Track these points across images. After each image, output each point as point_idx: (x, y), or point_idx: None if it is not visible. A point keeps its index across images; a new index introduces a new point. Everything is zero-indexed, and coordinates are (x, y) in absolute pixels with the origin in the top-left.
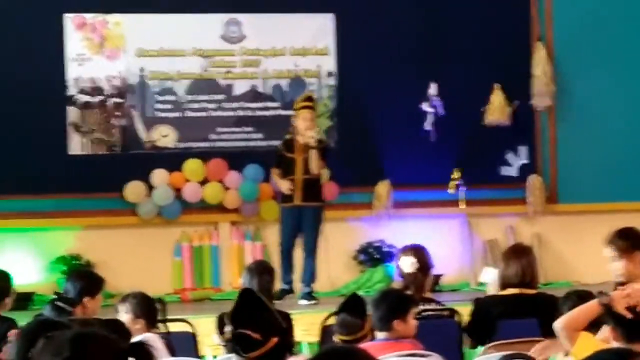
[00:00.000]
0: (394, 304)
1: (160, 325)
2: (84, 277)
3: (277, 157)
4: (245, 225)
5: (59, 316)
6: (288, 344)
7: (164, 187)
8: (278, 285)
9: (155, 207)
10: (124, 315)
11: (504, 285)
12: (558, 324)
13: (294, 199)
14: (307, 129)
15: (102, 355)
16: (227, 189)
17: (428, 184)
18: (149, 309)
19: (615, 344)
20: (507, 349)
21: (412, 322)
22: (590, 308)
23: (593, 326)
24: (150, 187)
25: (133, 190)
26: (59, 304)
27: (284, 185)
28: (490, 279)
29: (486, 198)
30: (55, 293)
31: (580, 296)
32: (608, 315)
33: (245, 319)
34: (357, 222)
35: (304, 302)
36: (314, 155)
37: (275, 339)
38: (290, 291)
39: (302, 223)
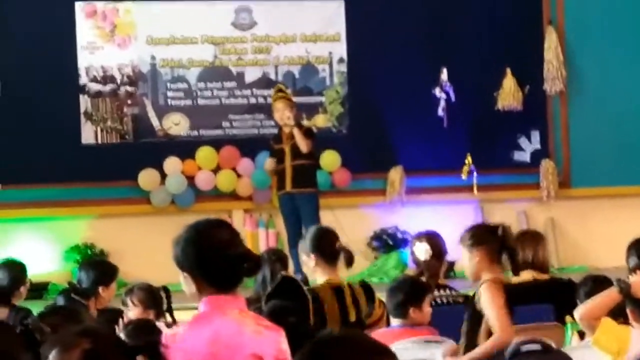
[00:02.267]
0: (410, 291)
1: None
2: (97, 267)
3: (270, 150)
4: (258, 212)
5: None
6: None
7: (176, 176)
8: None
9: (168, 196)
10: (134, 308)
11: (516, 271)
12: (577, 314)
13: (285, 185)
14: (281, 118)
15: (112, 356)
16: (239, 176)
17: (441, 169)
18: (157, 300)
19: (636, 326)
20: (522, 335)
21: (427, 310)
22: (609, 296)
23: (613, 313)
24: (164, 176)
25: (147, 177)
26: (74, 296)
27: (266, 163)
28: (422, 254)
29: (499, 183)
30: (69, 283)
31: (596, 281)
32: (628, 300)
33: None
34: (370, 209)
35: None
36: (298, 135)
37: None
38: (303, 280)
39: (299, 210)
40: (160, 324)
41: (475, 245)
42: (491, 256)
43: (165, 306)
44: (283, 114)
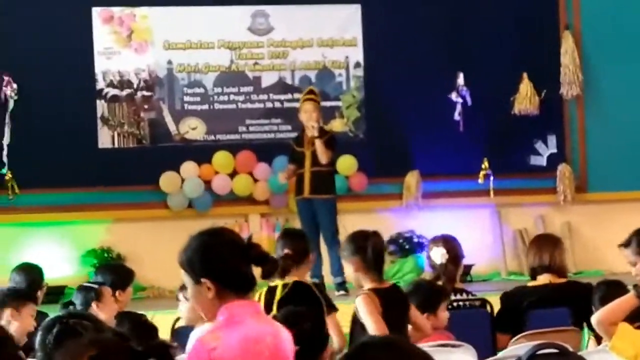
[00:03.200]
0: (424, 298)
1: None
2: (114, 271)
3: (290, 153)
4: (275, 216)
5: (86, 301)
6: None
7: (194, 179)
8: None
9: (185, 199)
10: (186, 302)
11: (532, 274)
12: (595, 319)
13: (303, 191)
14: (308, 120)
15: None
16: (256, 181)
17: (457, 174)
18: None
19: None
20: (539, 339)
21: (443, 315)
22: (626, 301)
23: (631, 317)
24: (181, 180)
25: (167, 180)
26: (87, 284)
27: (281, 176)
28: (438, 258)
29: (516, 187)
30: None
31: (610, 286)
32: None
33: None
34: (387, 213)
35: (335, 292)
36: (318, 146)
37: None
38: (320, 285)
39: (317, 216)
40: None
41: (350, 255)
42: (367, 264)
43: None
44: (311, 116)
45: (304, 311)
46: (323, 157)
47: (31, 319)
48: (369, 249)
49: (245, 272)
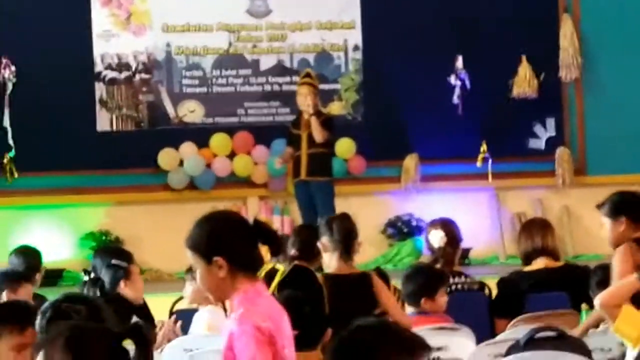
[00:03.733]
0: (423, 282)
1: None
2: (112, 253)
3: (288, 135)
4: (273, 199)
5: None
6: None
7: (194, 157)
8: None
9: (186, 177)
10: (191, 285)
11: (527, 259)
12: (597, 301)
13: (300, 173)
14: (303, 103)
15: (97, 346)
16: (255, 163)
17: (456, 157)
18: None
19: None
20: (537, 322)
21: (441, 299)
22: (629, 283)
23: (635, 300)
24: (180, 162)
25: (166, 158)
26: (116, 262)
27: (277, 161)
28: (437, 242)
29: (514, 171)
30: (84, 271)
31: (607, 270)
32: None
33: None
34: (385, 196)
35: None
36: (314, 125)
37: None
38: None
39: (314, 198)
40: (216, 308)
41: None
42: (333, 245)
43: None
44: (306, 99)
45: (304, 295)
46: (319, 135)
47: (28, 299)
48: (335, 230)
49: (254, 252)
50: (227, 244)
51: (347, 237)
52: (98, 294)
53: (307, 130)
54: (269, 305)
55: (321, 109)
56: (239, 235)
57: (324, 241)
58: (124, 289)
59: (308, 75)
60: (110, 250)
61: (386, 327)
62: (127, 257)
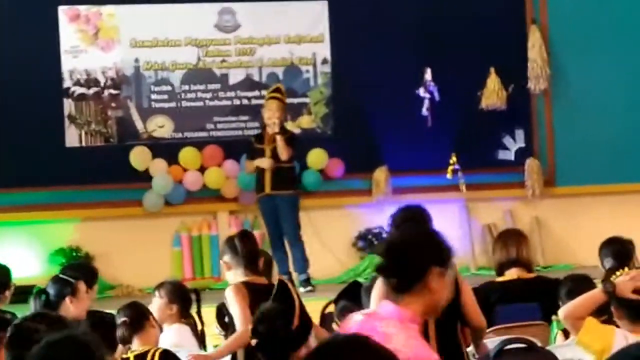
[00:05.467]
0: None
1: (196, 317)
2: (79, 270)
3: (250, 150)
4: (243, 214)
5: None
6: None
7: (163, 176)
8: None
9: (158, 197)
10: (158, 300)
11: (499, 270)
12: (562, 313)
13: (264, 187)
14: (269, 118)
15: None
16: (225, 178)
17: (426, 169)
18: (184, 297)
19: (620, 323)
20: (507, 333)
21: None
22: (593, 296)
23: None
24: (149, 177)
25: (138, 154)
26: (63, 276)
27: (264, 162)
28: None
29: (484, 182)
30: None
31: (577, 280)
32: (613, 300)
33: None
34: (356, 209)
35: (301, 289)
36: (280, 143)
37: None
38: (290, 281)
39: (278, 212)
40: (182, 325)
41: (222, 256)
42: (236, 261)
43: (195, 308)
44: (274, 114)
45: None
46: (283, 153)
47: None
48: (238, 248)
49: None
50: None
51: (253, 251)
52: (39, 307)
53: (271, 145)
54: None
55: (285, 125)
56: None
57: (225, 259)
58: (69, 304)
59: (278, 90)
60: (79, 266)
61: (363, 343)
62: (94, 273)
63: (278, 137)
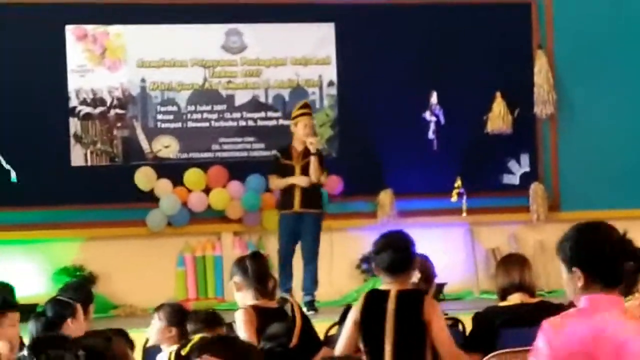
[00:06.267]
0: None
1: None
2: (76, 290)
3: (275, 165)
4: (247, 235)
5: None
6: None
7: (170, 197)
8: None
9: (162, 217)
10: (157, 322)
11: (502, 295)
12: None
13: (293, 205)
14: (308, 135)
15: None
16: (230, 199)
17: (430, 192)
18: (183, 320)
19: None
20: (510, 358)
21: None
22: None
23: None
24: (156, 198)
25: (143, 175)
26: (63, 298)
27: (302, 180)
28: None
29: (488, 206)
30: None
31: None
32: None
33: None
34: (360, 231)
35: (305, 310)
36: (313, 164)
37: None
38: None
39: (301, 230)
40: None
41: (232, 276)
42: (247, 282)
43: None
44: (311, 130)
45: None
46: (317, 176)
47: (13, 328)
48: (249, 268)
49: (615, 266)
50: (586, 256)
51: (263, 273)
52: (40, 329)
53: (301, 162)
54: (607, 324)
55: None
56: (601, 248)
57: (235, 280)
58: (70, 325)
59: (307, 105)
60: (77, 286)
61: None
62: (91, 294)
63: (313, 158)
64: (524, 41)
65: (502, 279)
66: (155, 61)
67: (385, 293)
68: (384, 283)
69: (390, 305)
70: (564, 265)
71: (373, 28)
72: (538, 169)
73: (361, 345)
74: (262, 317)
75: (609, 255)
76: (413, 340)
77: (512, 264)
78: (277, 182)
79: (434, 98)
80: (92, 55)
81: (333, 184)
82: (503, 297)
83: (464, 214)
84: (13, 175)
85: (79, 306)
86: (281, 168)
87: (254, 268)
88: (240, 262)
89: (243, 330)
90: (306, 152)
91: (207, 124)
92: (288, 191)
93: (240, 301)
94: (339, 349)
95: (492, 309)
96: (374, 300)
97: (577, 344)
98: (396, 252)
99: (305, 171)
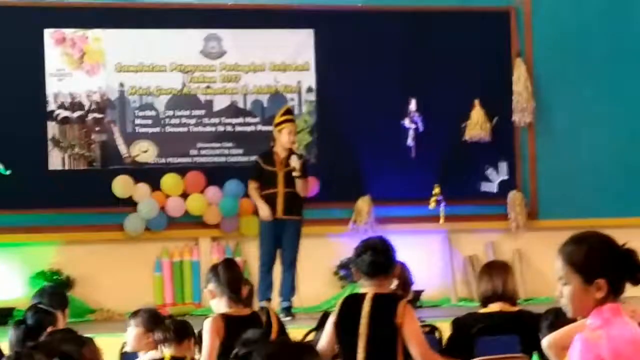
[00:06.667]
0: None
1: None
2: (52, 295)
3: (257, 170)
4: (225, 240)
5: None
6: None
7: (148, 201)
8: (256, 301)
9: (140, 221)
10: (134, 328)
11: (484, 302)
12: (546, 342)
13: (276, 211)
14: (293, 142)
15: None
16: (208, 204)
17: (409, 199)
18: (160, 323)
19: None
20: None
21: None
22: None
23: None
24: (134, 203)
25: (120, 183)
26: (43, 306)
27: (264, 212)
28: None
29: (466, 214)
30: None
31: (558, 313)
32: None
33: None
34: (338, 238)
35: (280, 316)
36: (300, 184)
37: None
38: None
39: (282, 236)
40: (157, 353)
41: (206, 284)
42: (220, 290)
43: (194, 339)
44: (295, 137)
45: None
46: (304, 191)
47: None
48: (222, 276)
49: (634, 276)
50: (613, 267)
51: (235, 280)
52: (20, 337)
53: (284, 169)
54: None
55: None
56: (622, 258)
57: (209, 288)
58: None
59: (290, 112)
60: (52, 291)
61: None
62: (66, 298)
63: (300, 182)
64: (502, 49)
65: (484, 286)
66: (134, 66)
67: (363, 296)
68: (363, 287)
69: (366, 307)
70: (579, 277)
71: (352, 35)
72: (516, 177)
73: (336, 345)
74: (232, 325)
75: (636, 264)
76: (385, 341)
77: (495, 271)
78: (252, 194)
79: (412, 105)
80: (70, 59)
81: (307, 186)
82: (484, 304)
83: (442, 222)
84: (1, 166)
85: (59, 314)
86: (263, 174)
87: (227, 276)
88: (213, 270)
89: (206, 339)
90: (289, 159)
91: (185, 129)
92: (270, 197)
93: (214, 308)
94: (318, 349)
95: (472, 315)
96: (352, 302)
97: (631, 348)
98: (377, 255)
99: (288, 177)
